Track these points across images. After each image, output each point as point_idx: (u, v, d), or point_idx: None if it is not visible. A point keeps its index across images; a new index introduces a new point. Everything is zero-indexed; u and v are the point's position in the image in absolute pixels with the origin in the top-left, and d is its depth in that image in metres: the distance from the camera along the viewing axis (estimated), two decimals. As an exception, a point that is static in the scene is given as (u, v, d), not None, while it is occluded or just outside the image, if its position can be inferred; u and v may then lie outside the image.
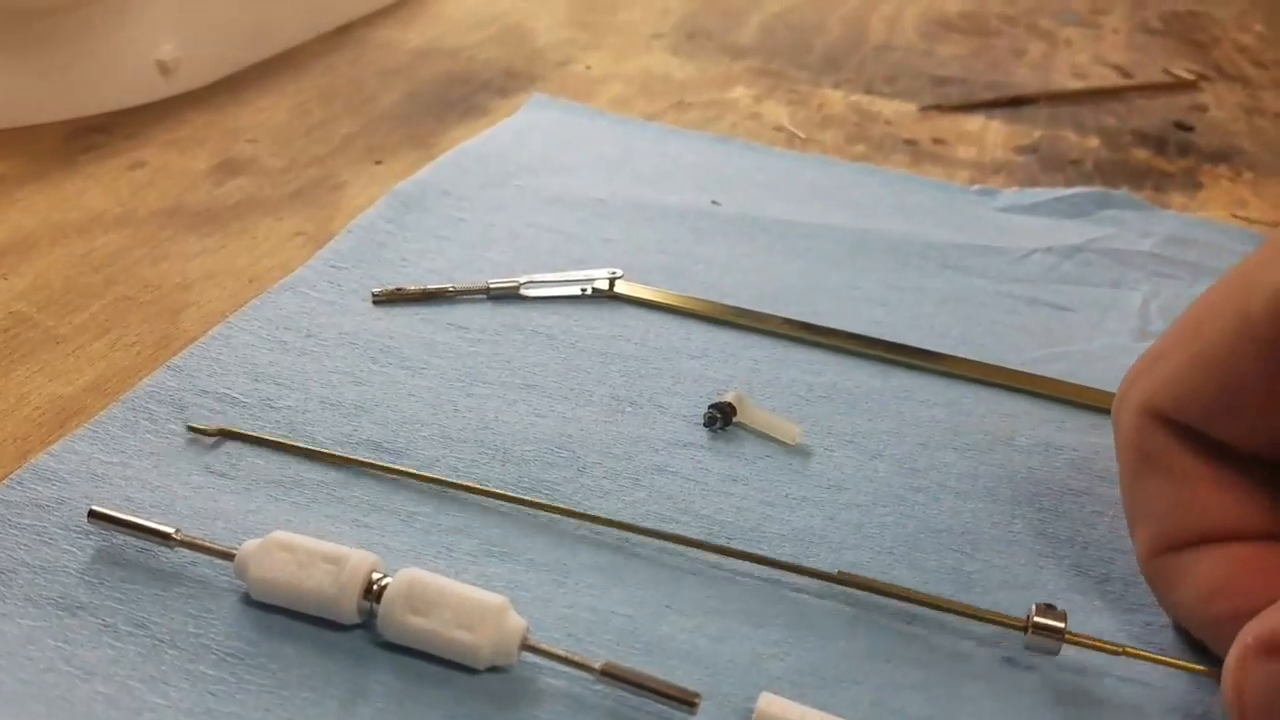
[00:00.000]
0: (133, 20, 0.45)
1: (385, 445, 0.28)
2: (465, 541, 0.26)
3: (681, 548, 0.26)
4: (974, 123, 0.52)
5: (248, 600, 0.23)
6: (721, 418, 0.30)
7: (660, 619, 0.24)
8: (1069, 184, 0.46)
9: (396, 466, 0.27)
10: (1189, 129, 0.53)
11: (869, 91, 0.55)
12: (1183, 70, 0.61)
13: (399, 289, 0.34)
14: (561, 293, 0.35)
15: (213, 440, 0.28)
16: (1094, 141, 0.51)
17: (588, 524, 0.26)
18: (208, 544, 0.24)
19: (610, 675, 0.22)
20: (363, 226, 0.38)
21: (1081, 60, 0.62)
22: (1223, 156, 0.51)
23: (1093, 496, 0.29)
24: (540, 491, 0.27)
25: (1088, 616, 0.25)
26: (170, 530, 0.24)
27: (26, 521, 0.25)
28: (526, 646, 0.22)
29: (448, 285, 0.35)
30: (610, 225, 0.40)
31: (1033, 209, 0.43)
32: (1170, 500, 0.24)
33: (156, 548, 0.24)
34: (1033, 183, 0.46)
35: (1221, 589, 0.23)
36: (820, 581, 0.25)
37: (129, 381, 0.30)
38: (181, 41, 0.47)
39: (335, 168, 0.43)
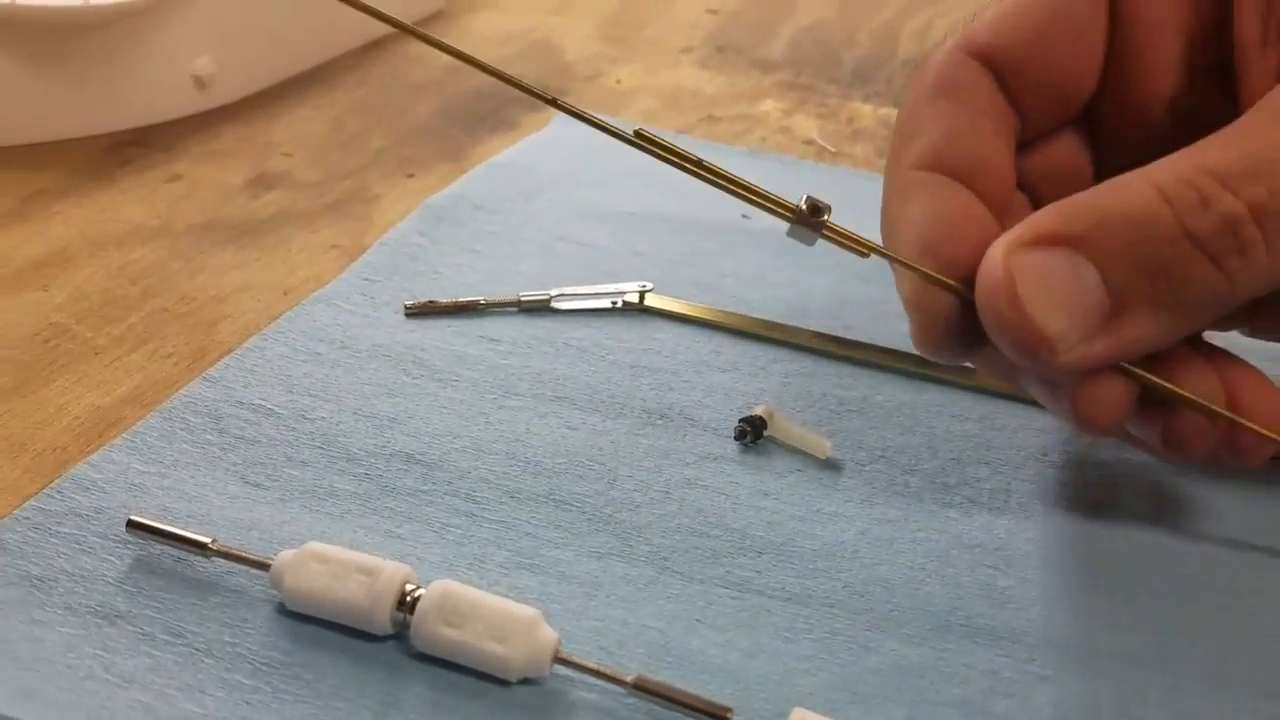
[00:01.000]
0: (169, 34, 0.46)
1: (418, 457, 0.28)
2: (497, 553, 0.26)
3: (711, 562, 0.26)
4: (1004, 136, 0.52)
5: (283, 610, 0.24)
6: (752, 431, 0.30)
7: (692, 633, 0.24)
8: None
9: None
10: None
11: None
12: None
13: (431, 301, 0.35)
14: (592, 305, 0.36)
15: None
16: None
17: (619, 537, 0.26)
18: (243, 554, 0.24)
19: (642, 689, 0.22)
20: (395, 239, 0.38)
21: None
22: None
23: (1127, 511, 0.28)
24: (571, 504, 0.27)
25: (1117, 632, 0.25)
26: (207, 540, 0.24)
27: (66, 530, 0.25)
28: (558, 659, 0.22)
29: (479, 298, 0.35)
30: (640, 238, 0.40)
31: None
32: (956, 123, 0.26)
33: (193, 557, 0.25)
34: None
35: (956, 227, 0.25)
36: (853, 595, 0.25)
37: (166, 392, 0.31)
38: (217, 55, 0.48)
39: (368, 181, 0.43)
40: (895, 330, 0.35)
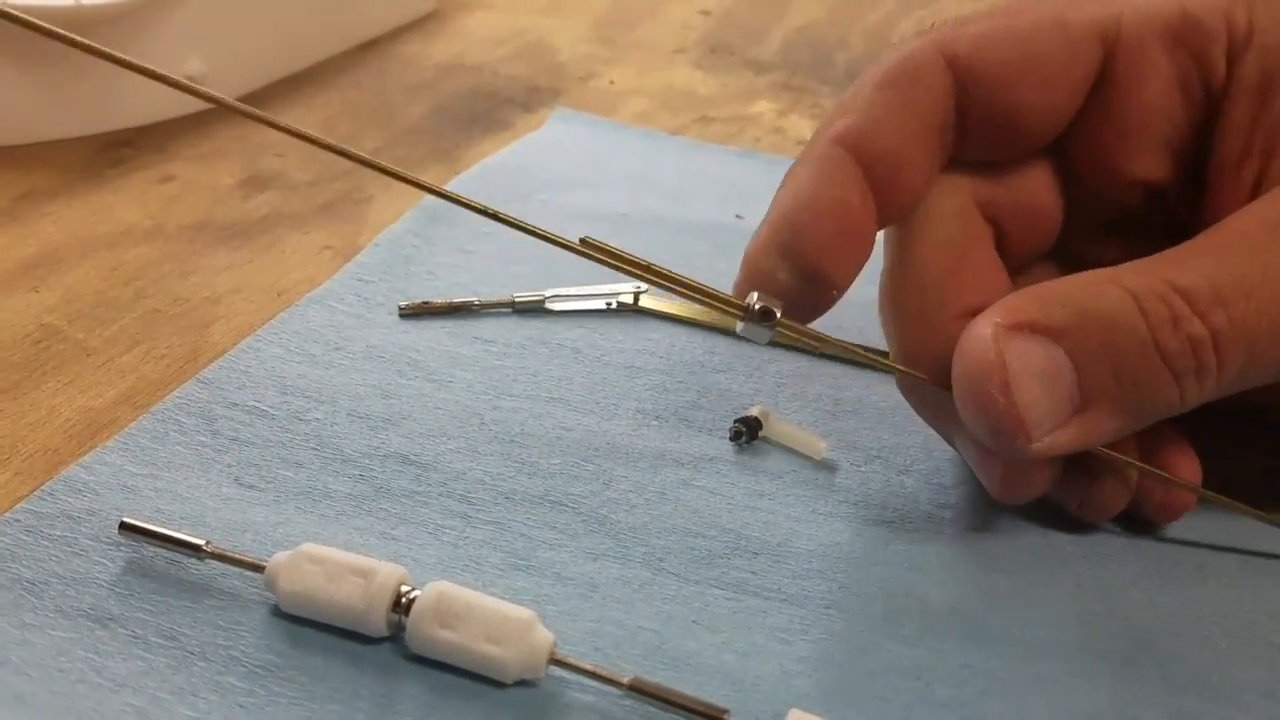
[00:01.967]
0: (160, 35, 0.46)
1: (413, 458, 0.28)
2: (492, 555, 0.26)
3: (707, 563, 0.26)
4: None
5: (277, 612, 0.24)
6: (747, 432, 0.30)
7: (688, 634, 0.24)
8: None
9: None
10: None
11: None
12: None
13: (425, 302, 0.35)
14: (586, 306, 0.35)
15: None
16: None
17: (615, 538, 0.26)
18: (237, 556, 0.24)
19: (638, 690, 0.22)
20: (389, 240, 0.38)
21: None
22: None
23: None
24: (567, 505, 0.27)
25: (1114, 633, 0.25)
26: (200, 542, 0.24)
27: (58, 533, 0.25)
28: (554, 661, 0.22)
29: (473, 299, 0.35)
30: (634, 239, 0.40)
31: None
32: (889, 115, 0.26)
33: (186, 559, 0.25)
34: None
35: (823, 210, 0.25)
36: (849, 596, 0.25)
37: (159, 394, 0.31)
38: (208, 56, 0.48)
39: (362, 182, 0.43)
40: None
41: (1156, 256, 0.24)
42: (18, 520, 0.25)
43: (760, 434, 0.30)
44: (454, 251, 0.38)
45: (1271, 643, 0.25)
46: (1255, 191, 0.25)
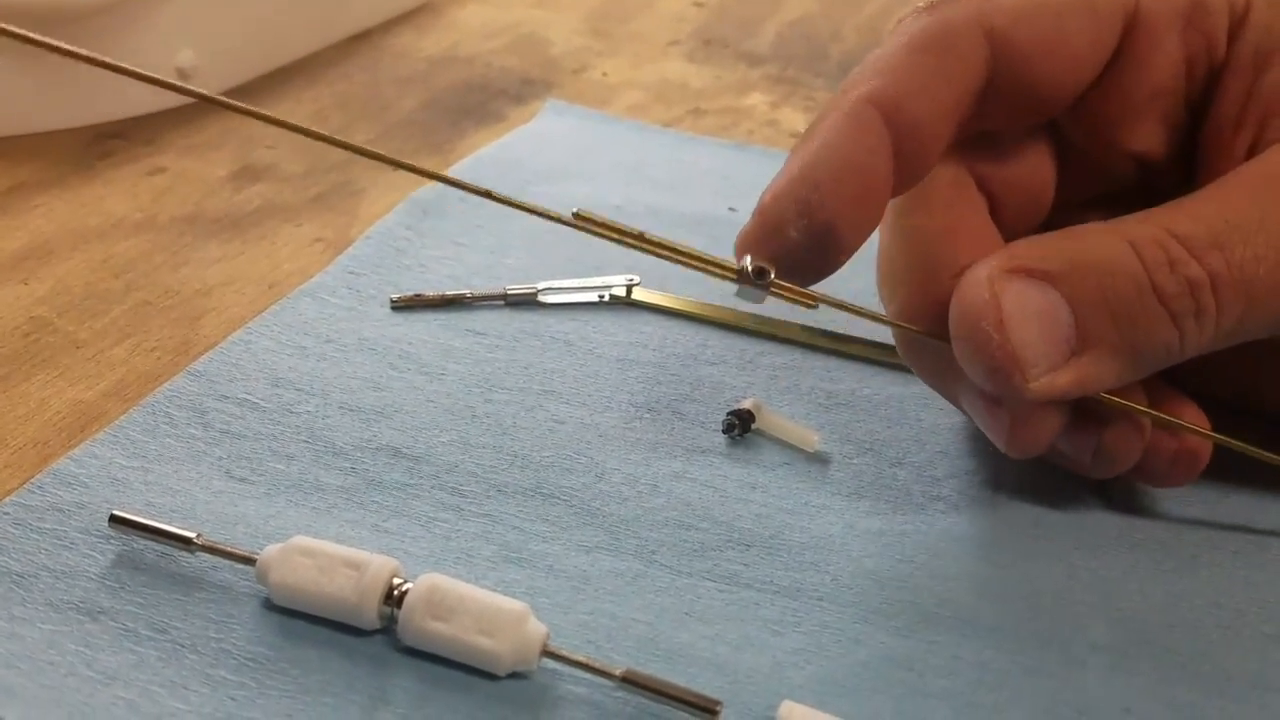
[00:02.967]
0: (151, 27, 0.46)
1: (405, 451, 0.28)
2: (485, 547, 0.26)
3: (699, 555, 0.26)
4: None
5: (269, 605, 0.23)
6: (740, 424, 0.30)
7: (681, 626, 0.24)
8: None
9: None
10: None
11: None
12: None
13: (417, 295, 0.35)
14: (579, 299, 0.35)
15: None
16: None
17: (607, 530, 0.26)
18: (229, 549, 0.24)
19: (631, 682, 0.22)
20: (381, 233, 0.38)
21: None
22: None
23: (1115, 504, 0.28)
24: (559, 498, 0.27)
25: (1107, 624, 0.25)
26: (191, 535, 0.24)
27: (47, 526, 0.25)
28: (547, 653, 0.22)
29: (466, 291, 0.35)
30: (627, 232, 0.40)
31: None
32: (928, 80, 0.25)
33: (177, 553, 0.24)
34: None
35: (848, 162, 0.25)
36: (842, 588, 0.25)
37: (149, 386, 0.30)
38: (200, 48, 0.47)
39: (353, 174, 0.43)
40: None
41: (1154, 209, 0.25)
42: (7, 513, 0.25)
43: (753, 427, 0.30)
44: (446, 244, 0.38)
45: (1264, 633, 0.25)
46: (1248, 157, 0.26)
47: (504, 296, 0.35)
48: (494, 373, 0.32)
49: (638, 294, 0.36)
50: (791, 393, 0.32)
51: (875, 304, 0.28)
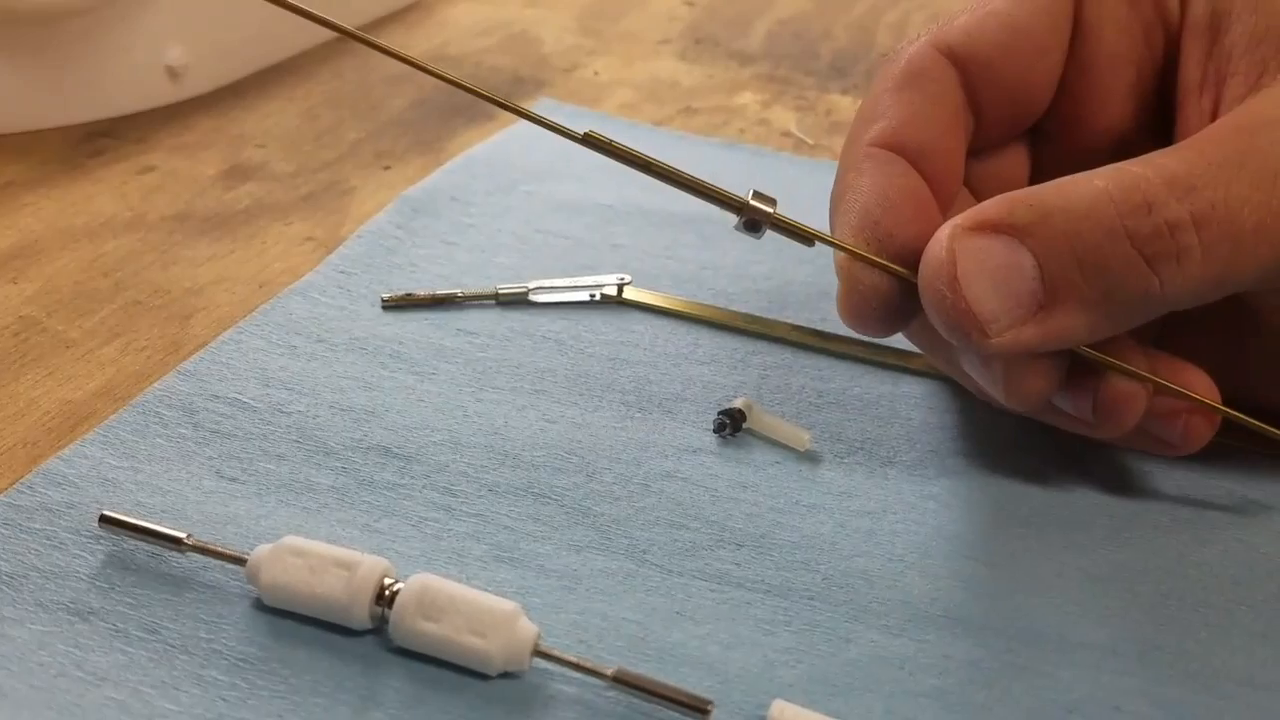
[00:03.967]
0: (141, 25, 0.45)
1: (396, 450, 0.28)
2: (476, 547, 0.26)
3: (690, 554, 0.26)
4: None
5: (259, 605, 0.23)
6: (731, 424, 0.30)
7: (672, 626, 0.24)
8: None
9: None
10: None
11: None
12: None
13: (408, 294, 0.34)
14: (570, 298, 0.35)
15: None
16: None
17: (598, 530, 0.26)
18: (219, 549, 0.24)
19: (622, 682, 0.22)
20: (372, 232, 0.38)
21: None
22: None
23: (1105, 503, 0.28)
24: (550, 497, 0.27)
25: (1097, 623, 0.25)
26: (182, 535, 0.24)
27: (37, 526, 0.25)
28: (538, 653, 0.22)
29: (457, 291, 0.35)
30: (618, 231, 0.40)
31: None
32: (916, 110, 0.27)
33: (168, 553, 0.24)
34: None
35: (898, 202, 0.26)
36: (833, 587, 0.25)
37: (139, 386, 0.30)
38: (189, 46, 0.47)
39: (344, 173, 0.43)
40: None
41: (1136, 158, 0.24)
42: (-4, 513, 0.25)
43: (744, 426, 0.30)
44: (437, 243, 0.38)
45: (1252, 632, 0.25)
46: (1214, 115, 0.26)
47: (495, 296, 0.35)
48: (485, 372, 0.32)
49: (629, 293, 0.36)
50: (782, 392, 0.32)
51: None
